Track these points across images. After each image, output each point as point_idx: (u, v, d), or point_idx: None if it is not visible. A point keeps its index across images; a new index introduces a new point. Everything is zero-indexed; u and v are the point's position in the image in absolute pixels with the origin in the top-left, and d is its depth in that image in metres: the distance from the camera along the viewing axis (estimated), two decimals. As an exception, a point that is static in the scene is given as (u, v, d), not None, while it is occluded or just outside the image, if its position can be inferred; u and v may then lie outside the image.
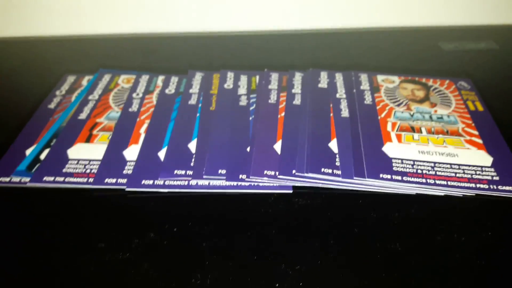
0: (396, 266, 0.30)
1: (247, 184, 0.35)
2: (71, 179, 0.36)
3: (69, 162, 0.37)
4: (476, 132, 0.41)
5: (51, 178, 0.36)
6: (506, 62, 0.54)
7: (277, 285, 0.28)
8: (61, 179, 0.36)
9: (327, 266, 0.30)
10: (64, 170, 0.36)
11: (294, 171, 0.36)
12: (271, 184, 0.35)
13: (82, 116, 0.42)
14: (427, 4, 0.61)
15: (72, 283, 0.29)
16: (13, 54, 0.57)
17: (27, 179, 0.36)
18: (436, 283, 0.29)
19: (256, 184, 0.35)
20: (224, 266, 0.30)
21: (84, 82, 0.48)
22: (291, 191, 0.35)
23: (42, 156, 0.38)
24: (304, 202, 0.34)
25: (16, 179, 0.36)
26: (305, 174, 0.36)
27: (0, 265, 0.30)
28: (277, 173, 0.36)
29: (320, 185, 0.35)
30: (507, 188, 0.35)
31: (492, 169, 0.37)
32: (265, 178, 0.35)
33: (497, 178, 0.36)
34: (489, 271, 0.29)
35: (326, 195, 0.35)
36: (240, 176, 0.36)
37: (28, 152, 0.38)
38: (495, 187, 0.35)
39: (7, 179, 0.36)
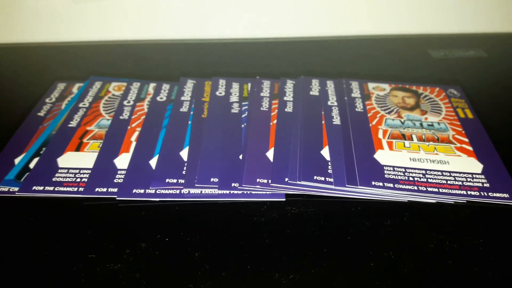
0: (389, 273, 0.30)
1: (239, 192, 0.35)
2: (61, 189, 0.35)
3: (59, 171, 0.37)
4: (466, 140, 0.41)
5: (41, 188, 0.35)
6: (495, 70, 0.55)
7: (270, 294, 0.28)
8: (51, 188, 0.35)
9: (321, 275, 0.30)
10: (53, 179, 0.36)
11: (286, 179, 0.36)
12: (264, 192, 0.35)
13: (73, 124, 0.42)
14: (417, 12, 0.61)
15: (62, 294, 0.28)
16: (2, 61, 0.56)
17: (16, 189, 0.35)
18: (429, 291, 0.29)
19: (248, 192, 0.35)
20: (217, 276, 0.29)
21: (75, 89, 0.48)
22: (284, 199, 0.35)
23: (32, 165, 0.37)
24: (297, 210, 0.34)
25: (4, 188, 0.35)
26: (298, 182, 0.36)
27: (-12, 277, 0.29)
28: (269, 181, 0.36)
29: (313, 193, 0.35)
30: (498, 195, 0.35)
31: (483, 176, 0.37)
32: (258, 186, 0.35)
33: (487, 185, 0.36)
34: (482, 277, 0.30)
35: (319, 203, 0.35)
36: (233, 184, 0.36)
37: (17, 160, 0.38)
38: (485, 194, 0.35)
39: (-5, 189, 0.35)
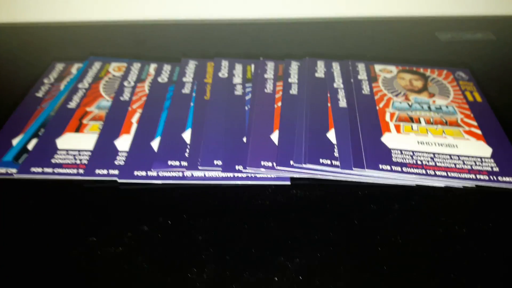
0: (397, 258, 0.29)
1: (243, 175, 0.34)
2: (61, 170, 0.34)
3: (58, 152, 0.36)
4: (475, 123, 0.40)
5: (39, 169, 0.34)
6: (503, 52, 0.54)
7: (276, 278, 0.28)
8: (50, 170, 0.34)
9: (327, 259, 0.29)
10: (53, 161, 0.35)
11: (292, 162, 0.35)
12: (269, 176, 0.34)
13: (72, 105, 0.41)
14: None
15: (63, 278, 0.28)
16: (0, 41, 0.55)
17: (14, 170, 0.34)
18: (438, 275, 0.28)
19: (253, 175, 0.34)
20: (221, 260, 0.29)
21: (74, 70, 0.46)
22: (289, 183, 0.34)
23: (30, 146, 0.36)
24: (303, 193, 0.34)
25: (2, 170, 0.35)
26: (304, 165, 0.35)
27: (-14, 260, 0.29)
28: (274, 164, 0.35)
29: (318, 176, 0.35)
30: (507, 179, 0.34)
31: (492, 160, 0.36)
32: (262, 169, 0.35)
33: (496, 169, 0.35)
34: (490, 262, 0.29)
35: (324, 187, 0.34)
36: (237, 167, 0.35)
37: (15, 142, 0.37)
38: (495, 178, 0.34)
39: (-7, 170, 0.35)
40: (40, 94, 0.43)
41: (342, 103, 0.42)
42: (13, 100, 0.42)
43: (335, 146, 0.36)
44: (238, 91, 0.43)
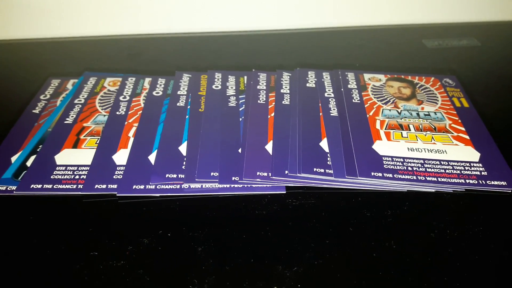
0: (392, 263, 0.30)
1: (240, 186, 0.35)
2: (60, 186, 0.35)
3: (57, 168, 0.36)
4: (463, 128, 0.41)
5: (39, 186, 0.35)
6: (488, 58, 0.55)
7: (275, 287, 0.28)
8: (49, 186, 0.35)
9: (324, 266, 0.30)
10: (52, 177, 0.36)
11: (286, 172, 0.36)
12: (265, 185, 0.35)
13: (69, 120, 0.42)
14: (410, 2, 0.61)
15: (65, 292, 0.28)
16: (-7, 58, 0.55)
17: (14, 187, 0.35)
18: (432, 279, 0.29)
19: (249, 185, 0.35)
20: (221, 270, 0.29)
21: (69, 85, 0.47)
22: (284, 192, 0.35)
23: (29, 163, 0.37)
24: (298, 202, 0.34)
25: (1, 187, 0.35)
26: (298, 174, 0.36)
27: (-11, 277, 0.29)
28: (270, 174, 0.36)
29: (313, 185, 0.35)
30: (496, 182, 0.36)
31: (480, 165, 0.37)
32: (258, 180, 0.35)
33: (485, 173, 0.36)
34: (482, 264, 0.30)
35: (319, 195, 0.35)
36: (233, 178, 0.36)
37: (13, 159, 0.37)
38: (483, 182, 0.36)
39: (-7, 188, 0.35)
40: (37, 110, 0.43)
41: (334, 112, 0.43)
42: (10, 117, 0.43)
43: (328, 155, 0.37)
44: (232, 102, 0.44)
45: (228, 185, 0.35)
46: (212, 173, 0.36)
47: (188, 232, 0.32)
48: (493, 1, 0.63)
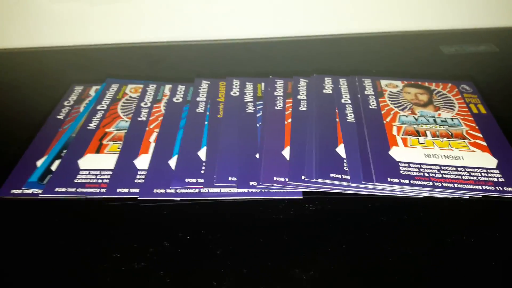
0: (408, 269, 0.30)
1: (257, 190, 0.36)
2: (83, 190, 0.36)
3: (80, 172, 0.38)
4: (480, 135, 0.41)
5: (63, 189, 0.36)
6: (506, 64, 0.55)
7: (292, 290, 0.29)
8: (73, 189, 0.36)
9: (341, 271, 0.30)
10: (75, 181, 0.37)
11: (303, 177, 0.36)
12: (282, 190, 0.36)
13: (92, 126, 0.43)
14: (427, 8, 0.61)
15: (89, 292, 0.29)
16: (19, 65, 0.57)
17: (39, 191, 0.36)
18: (449, 285, 0.29)
19: (266, 190, 0.36)
20: (239, 273, 0.30)
21: (92, 92, 0.49)
22: (301, 197, 0.36)
23: (53, 167, 0.38)
24: (315, 207, 0.35)
25: (28, 190, 0.36)
26: (315, 180, 0.36)
27: (15, 277, 0.30)
28: (287, 179, 0.36)
29: (329, 190, 0.36)
30: (513, 189, 0.36)
31: (497, 171, 0.37)
32: (275, 185, 0.36)
33: (502, 179, 0.36)
34: (499, 271, 0.30)
35: (336, 200, 0.35)
36: (251, 183, 0.36)
37: (39, 163, 0.39)
38: (501, 188, 0.36)
39: (19, 191, 0.36)
40: (61, 116, 0.45)
41: (350, 118, 0.43)
42: (35, 123, 0.44)
43: (345, 161, 0.38)
44: (250, 108, 0.45)
45: (245, 190, 0.36)
46: (230, 178, 0.37)
47: (207, 236, 0.33)
48: (511, 6, 0.62)
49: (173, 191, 0.36)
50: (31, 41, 0.60)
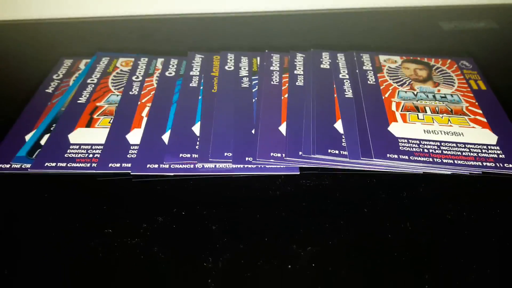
0: (407, 245, 0.30)
1: (253, 166, 0.35)
2: (74, 164, 0.35)
3: (71, 147, 0.36)
4: (480, 111, 0.40)
5: (53, 164, 0.35)
6: (506, 41, 0.54)
7: (289, 266, 0.28)
8: (63, 164, 0.35)
9: (338, 247, 0.30)
10: (66, 155, 0.36)
11: (300, 153, 0.36)
12: (278, 166, 0.35)
13: (82, 100, 0.41)
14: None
15: (81, 269, 0.29)
16: (7, 37, 0.55)
17: (28, 165, 0.35)
18: (448, 261, 0.29)
19: (262, 166, 0.35)
20: (235, 249, 0.29)
21: (82, 65, 0.47)
22: (298, 173, 0.35)
23: (43, 142, 0.37)
24: (312, 183, 0.34)
25: (16, 165, 0.35)
26: (312, 156, 0.35)
27: (4, 253, 0.29)
28: (283, 155, 0.35)
29: (327, 166, 0.35)
30: (513, 166, 0.35)
31: (498, 148, 0.37)
32: (272, 160, 0.35)
33: (502, 156, 0.36)
34: (499, 248, 0.30)
35: (333, 176, 0.35)
36: (247, 158, 0.35)
37: (27, 137, 0.38)
38: (501, 165, 0.35)
39: (7, 166, 0.35)
40: (50, 90, 0.43)
41: (348, 93, 0.42)
42: (24, 97, 0.43)
43: (343, 136, 0.37)
44: (245, 83, 0.44)
45: (241, 165, 0.35)
46: (225, 153, 0.36)
47: (202, 211, 0.32)
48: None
49: (166, 166, 0.35)
50: (19, 14, 0.58)
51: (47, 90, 0.43)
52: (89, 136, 0.37)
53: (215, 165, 0.35)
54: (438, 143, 0.37)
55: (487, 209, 0.32)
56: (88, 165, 0.35)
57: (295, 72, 0.45)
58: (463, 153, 0.36)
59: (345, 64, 0.46)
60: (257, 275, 0.28)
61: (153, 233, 0.30)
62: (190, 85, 0.43)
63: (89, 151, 0.36)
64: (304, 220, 0.31)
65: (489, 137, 0.38)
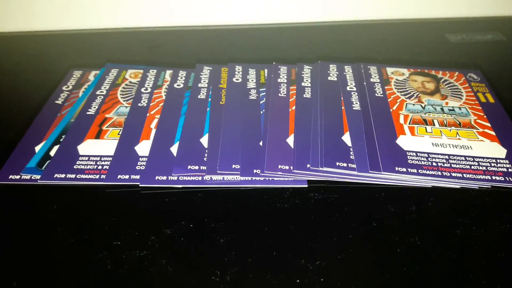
0: (416, 259, 0.30)
1: (261, 179, 0.35)
2: (83, 176, 0.35)
3: (80, 158, 0.37)
4: (488, 124, 0.40)
5: (62, 175, 0.35)
6: (514, 53, 0.54)
7: (297, 280, 0.28)
8: (73, 175, 0.35)
9: (347, 261, 0.29)
10: (75, 167, 0.36)
11: (308, 165, 0.36)
12: (286, 179, 0.35)
13: (91, 111, 0.42)
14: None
15: (89, 281, 0.29)
16: (17, 49, 0.56)
17: (38, 176, 0.35)
18: (457, 276, 0.29)
19: (270, 178, 0.35)
20: (243, 262, 0.29)
21: (91, 77, 0.47)
22: (306, 186, 0.35)
23: (52, 153, 0.37)
24: (320, 196, 0.34)
25: (26, 176, 0.35)
26: (320, 168, 0.35)
27: (13, 264, 0.29)
28: (291, 167, 0.35)
29: (335, 179, 0.35)
30: (523, 180, 0.35)
31: (507, 161, 0.36)
32: (280, 173, 0.35)
33: (512, 170, 0.36)
34: (508, 263, 0.29)
35: (341, 189, 0.35)
36: (254, 171, 0.35)
37: (37, 148, 0.38)
38: (511, 179, 0.35)
39: (17, 177, 0.35)
40: (59, 101, 0.44)
41: (356, 106, 0.42)
42: (33, 108, 0.43)
43: (351, 149, 0.37)
44: (253, 95, 0.44)
45: (249, 178, 0.35)
46: (233, 166, 0.36)
47: (210, 224, 0.32)
48: (518, -5, 0.61)
49: (175, 178, 0.35)
50: (30, 25, 0.59)
51: (56, 101, 0.44)
52: (98, 148, 0.38)
53: (223, 177, 0.35)
54: (447, 157, 0.37)
55: (497, 223, 0.32)
56: (97, 176, 0.35)
57: (303, 84, 0.45)
58: (472, 167, 0.36)
59: (353, 76, 0.47)
60: (265, 289, 0.28)
61: (161, 245, 0.30)
62: (198, 97, 0.43)
63: (98, 163, 0.36)
64: (312, 234, 0.31)
65: (498, 151, 0.37)
